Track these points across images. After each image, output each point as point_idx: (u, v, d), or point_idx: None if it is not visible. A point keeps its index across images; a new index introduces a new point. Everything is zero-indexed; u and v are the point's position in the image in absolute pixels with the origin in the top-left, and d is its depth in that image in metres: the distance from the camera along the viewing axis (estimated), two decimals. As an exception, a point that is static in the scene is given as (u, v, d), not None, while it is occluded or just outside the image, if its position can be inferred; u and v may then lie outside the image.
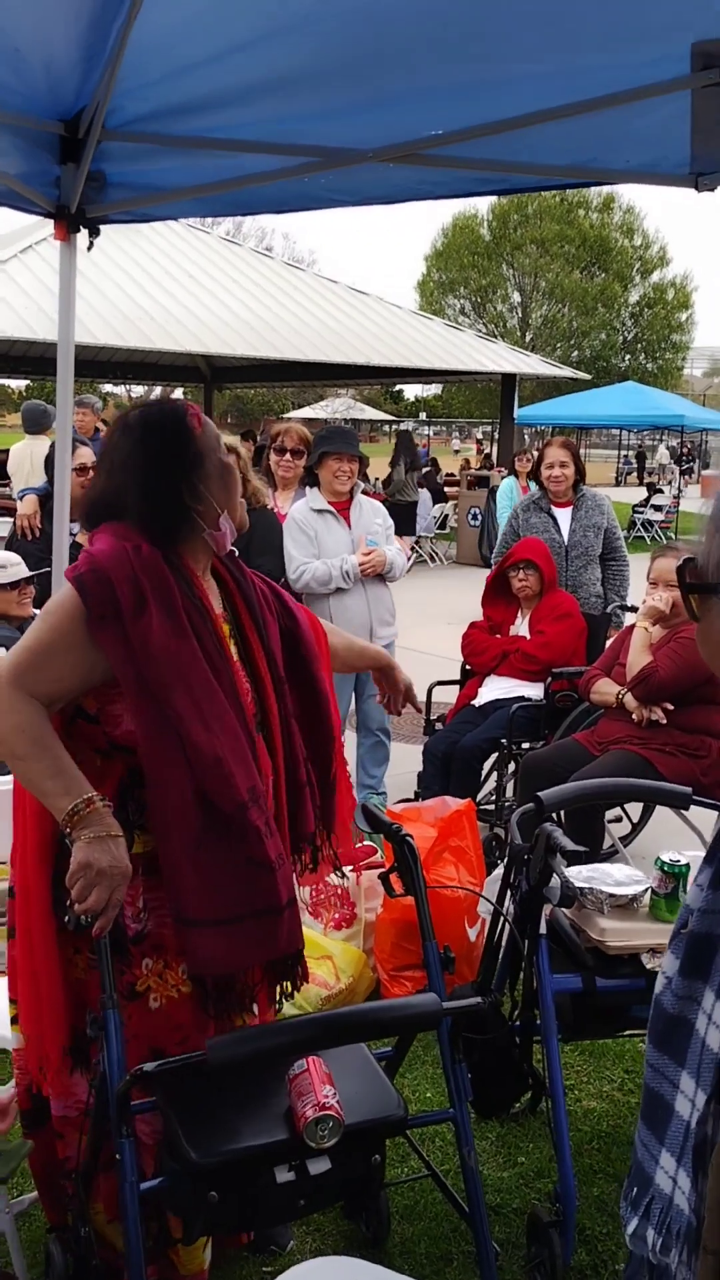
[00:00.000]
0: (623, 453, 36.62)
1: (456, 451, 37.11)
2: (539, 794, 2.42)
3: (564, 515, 5.13)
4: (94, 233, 2.92)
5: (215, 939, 1.81)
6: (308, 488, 4.66)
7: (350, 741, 4.83)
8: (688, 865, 2.46)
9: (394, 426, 39.13)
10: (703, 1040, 1.00)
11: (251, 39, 2.16)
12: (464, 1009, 1.77)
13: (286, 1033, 1.68)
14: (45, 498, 5.03)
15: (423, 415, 41.66)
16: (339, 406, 27.56)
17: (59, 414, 3.50)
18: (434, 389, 40.52)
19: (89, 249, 2.96)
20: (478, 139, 2.40)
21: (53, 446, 4.38)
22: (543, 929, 2.37)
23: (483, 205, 38.57)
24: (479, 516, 15.25)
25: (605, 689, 4.10)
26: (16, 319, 11.53)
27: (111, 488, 1.93)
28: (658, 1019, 1.07)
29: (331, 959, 3.28)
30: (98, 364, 16.59)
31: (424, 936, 2.09)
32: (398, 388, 41.30)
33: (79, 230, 2.89)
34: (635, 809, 4.86)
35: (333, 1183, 1.77)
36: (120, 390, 37.85)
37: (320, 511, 4.50)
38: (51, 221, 2.90)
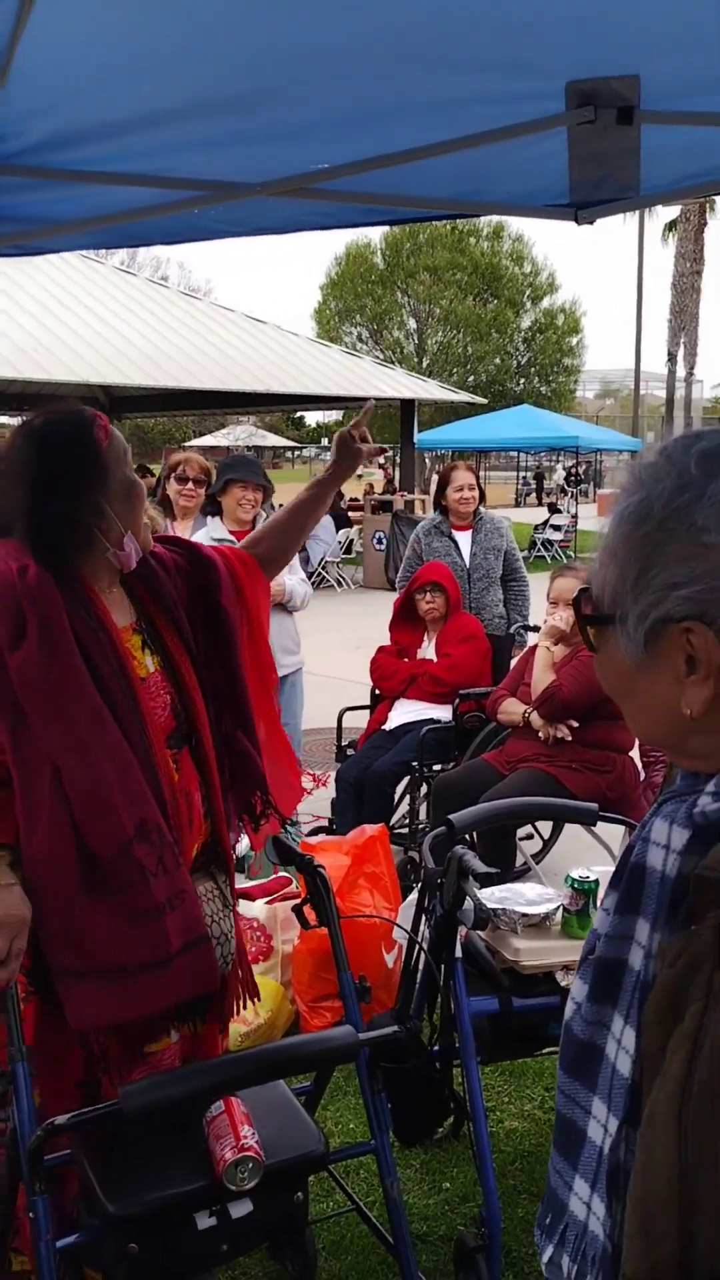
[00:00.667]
0: (521, 474, 37.33)
1: (359, 476, 37.38)
2: (450, 817, 2.44)
3: (464, 538, 5.20)
4: (-20, 266, 2.86)
5: (90, 990, 1.74)
6: (209, 517, 4.63)
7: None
8: (597, 881, 2.50)
9: (297, 453, 39.23)
10: (613, 1066, 1.01)
11: (133, 72, 2.15)
12: (381, 1039, 1.76)
13: (202, 1076, 1.65)
14: None
15: (325, 441, 41.87)
16: (241, 434, 27.53)
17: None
18: (335, 415, 40.77)
19: (-24, 283, 2.90)
20: (363, 173, 2.44)
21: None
22: (458, 952, 2.38)
23: (375, 234, 39.11)
24: (383, 540, 15.36)
25: (511, 708, 4.16)
26: None
27: (6, 500, 1.84)
28: (568, 1045, 1.07)
29: (249, 994, 3.24)
30: (-8, 396, 16.30)
31: (338, 968, 2.08)
32: (299, 414, 41.47)
33: (-35, 264, 2.84)
34: (546, 826, 4.93)
35: (256, 1225, 1.74)
36: (16, 423, 37.21)
37: (220, 540, 4.48)
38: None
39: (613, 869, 1.09)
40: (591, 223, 2.35)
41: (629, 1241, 0.92)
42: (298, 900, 2.49)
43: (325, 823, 4.77)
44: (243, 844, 3.96)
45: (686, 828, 0.94)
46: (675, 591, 0.90)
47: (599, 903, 1.10)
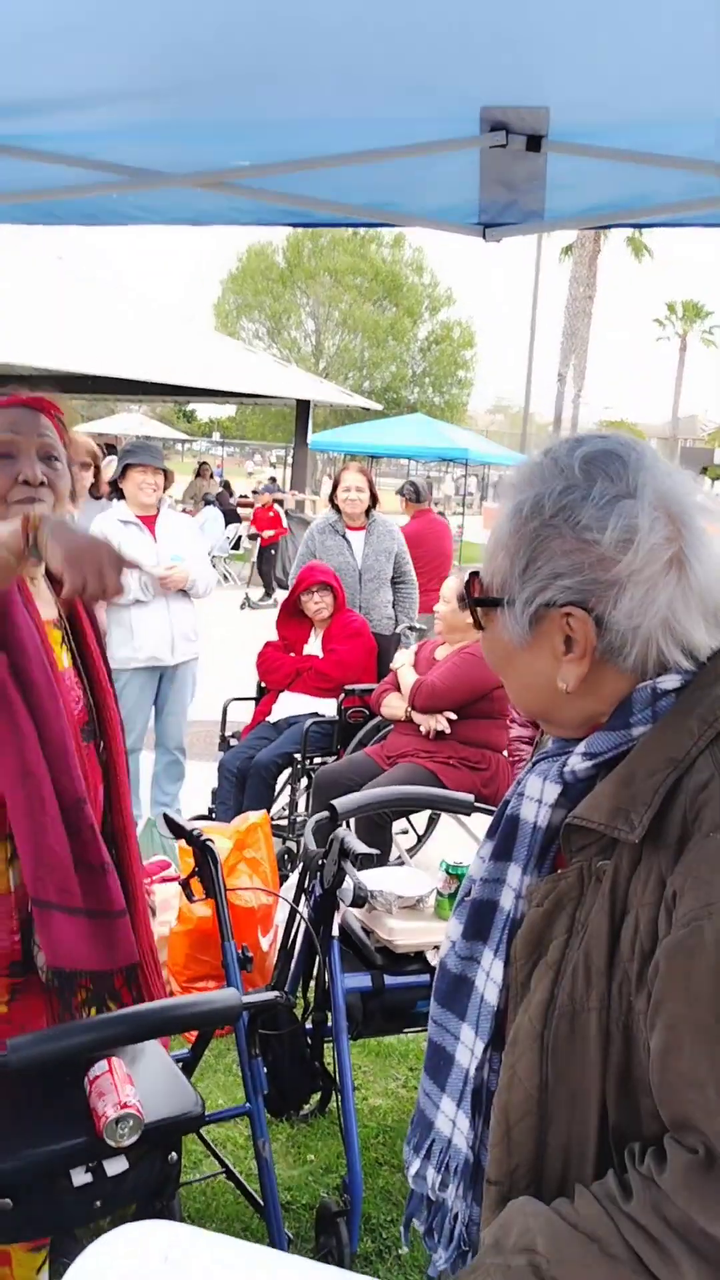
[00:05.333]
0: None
1: (250, 474, 37.29)
2: (332, 801, 2.53)
3: (357, 539, 5.33)
4: None
5: (67, 927, 1.78)
6: (115, 501, 4.64)
7: (146, 761, 4.83)
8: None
9: (186, 445, 38.89)
10: (481, 995, 1.13)
11: (56, 52, 2.17)
12: (262, 1003, 1.83)
13: (89, 1031, 1.70)
14: None
15: (216, 435, 41.63)
16: (131, 423, 27.18)
17: None
18: (228, 410, 40.57)
19: None
20: (282, 174, 2.51)
21: None
22: (335, 931, 2.47)
23: (278, 234, 39.13)
24: (272, 538, 15.40)
25: (395, 703, 4.29)
26: None
27: None
28: (442, 979, 1.19)
29: (124, 973, 3.27)
30: None
31: (223, 937, 2.14)
32: (191, 406, 41.12)
33: None
34: (420, 822, 5.08)
35: (130, 1183, 1.79)
36: None
37: (126, 523, 4.49)
38: None
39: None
40: (499, 241, 2.47)
41: (491, 1150, 1.03)
42: (177, 881, 2.55)
43: (205, 812, 4.81)
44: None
45: (557, 783, 1.07)
46: (559, 580, 1.02)
47: (475, 853, 1.22)
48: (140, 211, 2.58)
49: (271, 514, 15.65)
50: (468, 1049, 1.14)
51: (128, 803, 1.99)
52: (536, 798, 1.10)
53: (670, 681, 1.02)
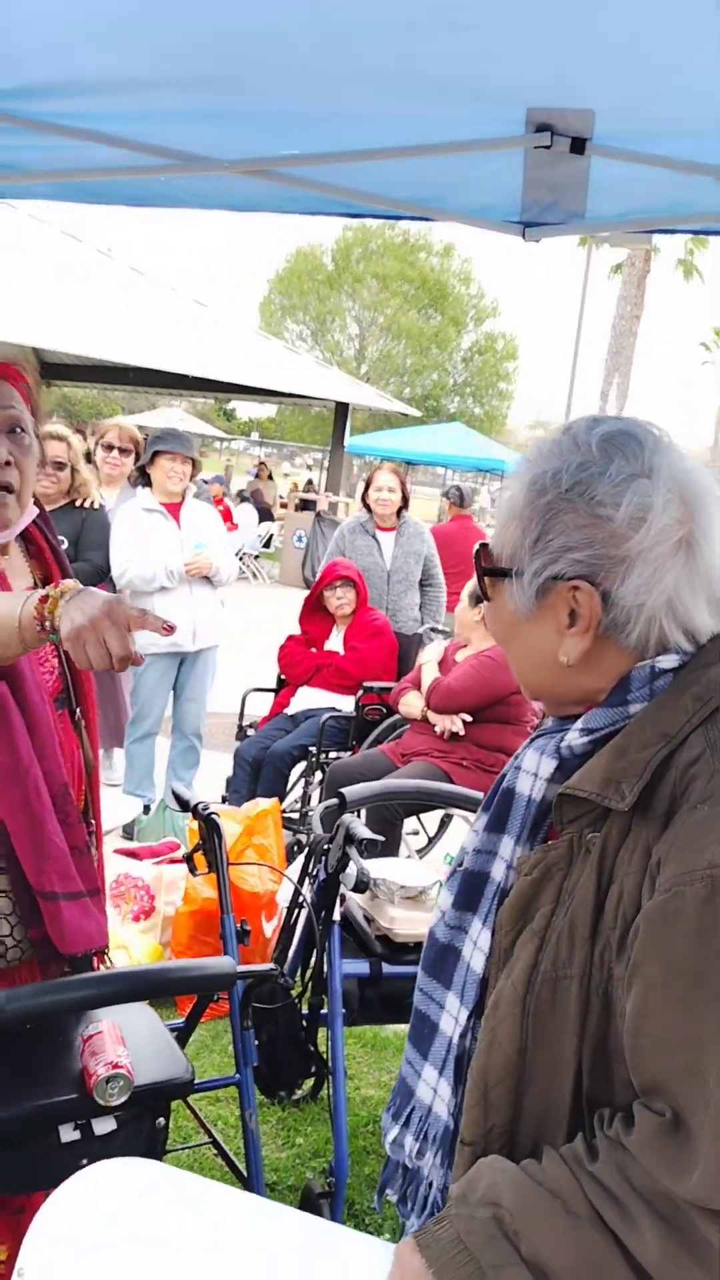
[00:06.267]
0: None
1: (286, 475, 37.46)
2: (341, 790, 2.55)
3: (388, 540, 5.36)
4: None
5: (74, 912, 1.78)
6: (140, 488, 4.69)
7: (163, 746, 4.88)
8: (474, 861, 2.63)
9: (225, 443, 39.11)
10: (468, 964, 1.14)
11: (110, 35, 2.21)
12: (257, 974, 1.85)
13: (85, 986, 1.73)
14: None
15: (255, 435, 41.81)
16: (170, 418, 27.36)
17: None
18: (268, 410, 40.73)
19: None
20: (328, 165, 2.55)
21: None
22: (336, 916, 2.49)
23: (327, 237, 39.32)
24: (303, 539, 15.48)
25: (413, 700, 4.31)
26: None
27: None
28: (431, 948, 1.21)
29: (127, 949, 3.30)
30: None
31: (223, 910, 2.17)
32: (231, 405, 41.32)
33: None
34: (431, 823, 5.08)
35: (117, 1145, 1.81)
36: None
37: (150, 511, 4.54)
38: None
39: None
40: (538, 241, 2.49)
41: (468, 1112, 1.05)
42: (184, 861, 2.57)
43: (220, 799, 4.85)
44: (135, 809, 4.03)
45: (554, 758, 1.08)
46: (569, 554, 1.04)
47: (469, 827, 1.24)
48: (187, 195, 2.62)
49: (221, 507, 15.61)
50: (452, 1017, 1.16)
51: (98, 769, 1.99)
52: (533, 771, 1.11)
53: (669, 661, 1.03)
